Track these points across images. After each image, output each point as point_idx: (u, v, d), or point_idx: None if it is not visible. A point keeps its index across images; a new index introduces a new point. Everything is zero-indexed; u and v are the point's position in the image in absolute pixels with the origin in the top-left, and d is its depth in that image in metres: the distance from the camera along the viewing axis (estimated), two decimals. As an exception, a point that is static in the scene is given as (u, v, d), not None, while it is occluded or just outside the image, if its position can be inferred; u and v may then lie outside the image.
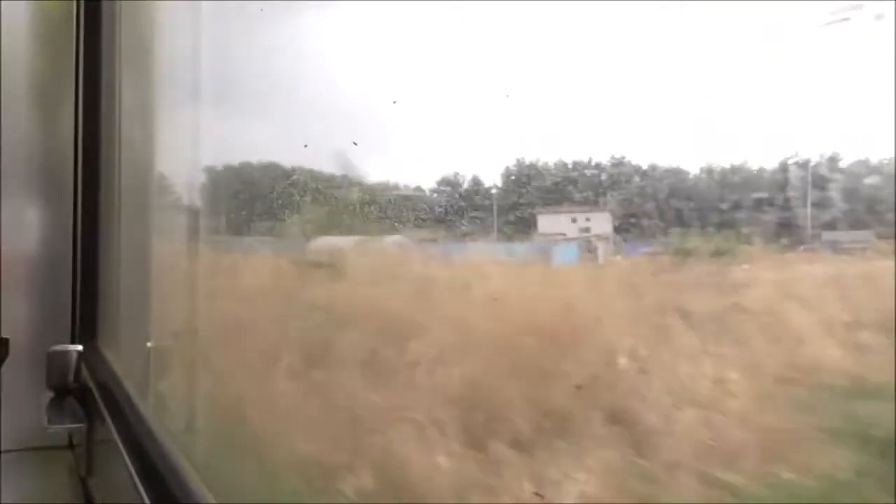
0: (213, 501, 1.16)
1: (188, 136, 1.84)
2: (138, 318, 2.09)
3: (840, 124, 0.77)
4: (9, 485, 2.01)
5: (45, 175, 2.32)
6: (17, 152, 2.25)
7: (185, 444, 1.52)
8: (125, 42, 2.23)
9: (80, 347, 2.15)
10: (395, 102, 1.00)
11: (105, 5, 2.33)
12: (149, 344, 1.98)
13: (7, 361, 2.11)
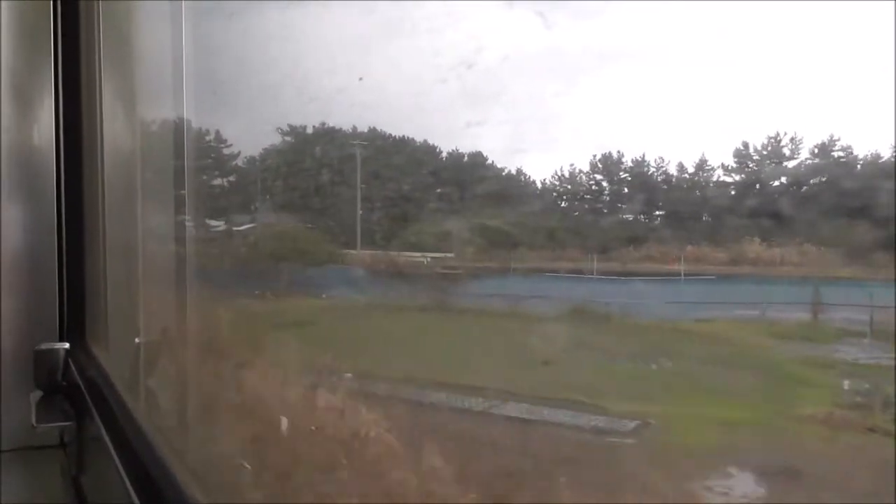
0: (202, 499, 1.16)
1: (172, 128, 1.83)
2: (126, 314, 2.08)
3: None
4: (1, 485, 2.00)
5: (26, 173, 2.30)
6: (-2, 151, 2.24)
7: (176, 441, 1.52)
8: (105, 40, 2.21)
9: (67, 345, 2.14)
10: (360, 80, 1.00)
11: (83, 4, 2.32)
12: (137, 340, 1.97)
13: (-5, 362, 2.11)
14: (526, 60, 0.83)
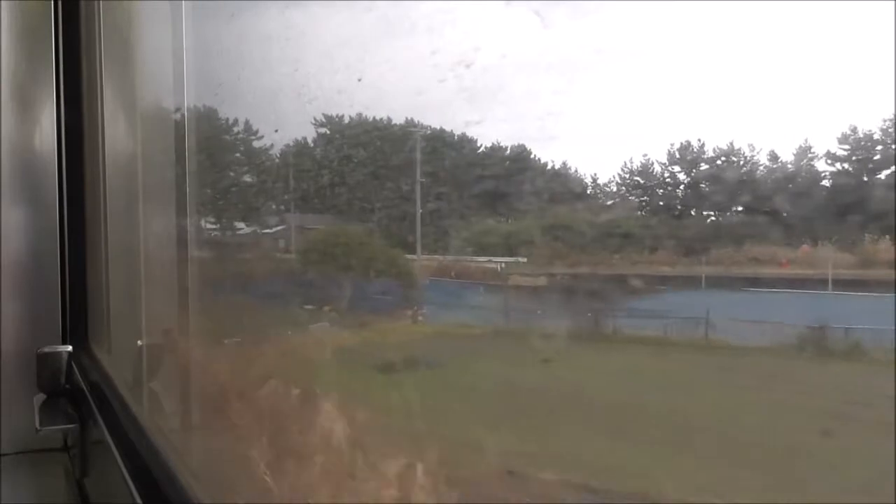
0: (205, 500, 1.15)
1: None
2: (129, 316, 2.08)
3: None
4: (5, 488, 2.00)
5: (28, 175, 2.30)
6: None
7: (179, 444, 1.51)
8: (105, 40, 2.21)
9: (69, 348, 2.15)
10: (359, 80, 1.00)
11: (83, 4, 2.31)
12: (140, 342, 1.97)
13: (-2, 365, 2.11)
14: (524, 59, 0.83)
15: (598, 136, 0.95)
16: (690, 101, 0.85)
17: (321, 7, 1.17)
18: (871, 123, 0.83)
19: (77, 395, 2.03)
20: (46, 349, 2.13)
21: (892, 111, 0.76)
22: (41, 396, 2.11)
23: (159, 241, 1.98)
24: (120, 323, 2.11)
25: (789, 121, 0.81)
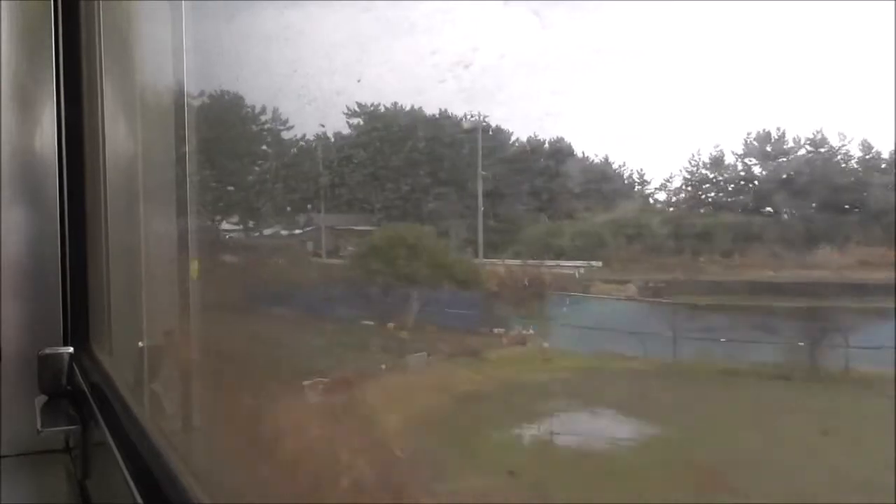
0: (207, 501, 1.15)
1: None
2: (130, 318, 2.07)
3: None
4: (7, 490, 2.00)
5: (29, 176, 2.30)
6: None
7: (181, 445, 1.51)
8: (105, 40, 2.21)
9: (70, 349, 2.14)
10: (358, 81, 0.99)
11: (83, 4, 2.31)
12: (141, 344, 1.96)
13: (0, 367, 2.11)
14: (523, 59, 0.83)
15: (599, 135, 0.94)
16: (700, 99, 0.84)
17: (320, 7, 1.17)
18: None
19: (78, 397, 2.03)
20: (48, 351, 2.14)
21: None
22: (42, 398, 2.11)
23: (160, 242, 1.98)
24: (121, 324, 2.11)
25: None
